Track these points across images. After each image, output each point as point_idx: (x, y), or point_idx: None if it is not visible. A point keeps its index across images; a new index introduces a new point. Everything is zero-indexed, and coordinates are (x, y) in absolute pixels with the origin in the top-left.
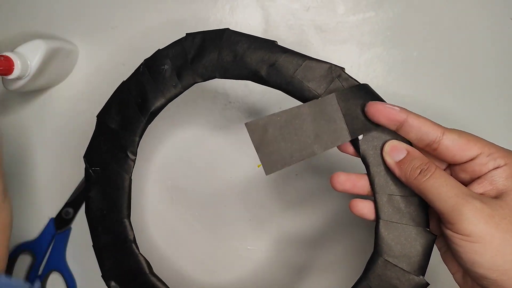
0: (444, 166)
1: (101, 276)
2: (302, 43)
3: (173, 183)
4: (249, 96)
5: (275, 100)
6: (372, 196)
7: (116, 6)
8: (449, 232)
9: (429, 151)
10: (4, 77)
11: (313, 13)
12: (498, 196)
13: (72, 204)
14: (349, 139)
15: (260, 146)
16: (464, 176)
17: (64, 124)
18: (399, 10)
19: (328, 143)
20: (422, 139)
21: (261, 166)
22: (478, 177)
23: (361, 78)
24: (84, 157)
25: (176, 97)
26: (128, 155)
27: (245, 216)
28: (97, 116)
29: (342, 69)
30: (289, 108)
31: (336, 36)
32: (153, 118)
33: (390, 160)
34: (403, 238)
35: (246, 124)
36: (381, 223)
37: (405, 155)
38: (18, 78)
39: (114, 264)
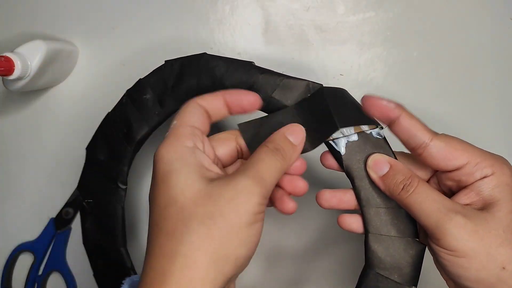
0: (430, 173)
1: None
2: (302, 43)
3: None
4: None
5: None
6: (360, 210)
7: (116, 7)
8: (435, 246)
9: (416, 156)
10: (5, 77)
11: (313, 13)
12: (484, 207)
13: (72, 204)
14: (338, 129)
15: (252, 144)
16: (451, 184)
17: (64, 124)
18: (399, 10)
19: (317, 139)
20: (409, 142)
21: None
22: (465, 187)
23: (361, 78)
24: (77, 188)
25: (160, 124)
26: (118, 186)
27: None
28: (86, 149)
29: (320, 85)
30: (280, 111)
31: (336, 36)
32: (140, 147)
33: (374, 175)
34: (392, 250)
35: (238, 124)
36: (370, 236)
37: (388, 169)
38: (19, 79)
39: None
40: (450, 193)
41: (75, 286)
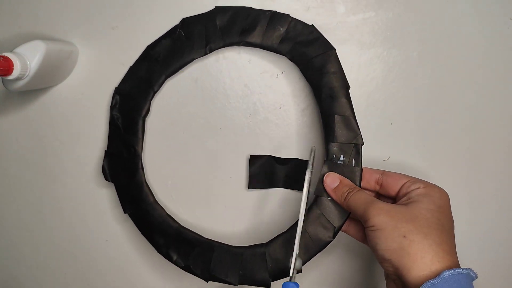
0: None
1: None
2: None
3: (173, 183)
4: (249, 96)
5: (275, 100)
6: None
7: (116, 7)
8: (365, 230)
9: (379, 191)
10: (4, 77)
11: (313, 13)
12: (409, 203)
13: None
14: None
15: (253, 175)
16: (410, 189)
17: (64, 124)
18: (399, 10)
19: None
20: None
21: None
22: (404, 195)
23: (361, 78)
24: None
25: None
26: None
27: (245, 215)
28: (147, 47)
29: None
30: (283, 158)
31: (336, 36)
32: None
33: (328, 188)
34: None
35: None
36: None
37: (338, 183)
38: (18, 79)
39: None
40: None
41: None
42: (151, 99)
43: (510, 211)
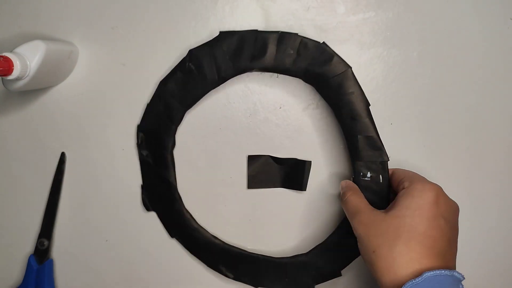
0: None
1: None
2: None
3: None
4: (249, 96)
5: (275, 100)
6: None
7: (116, 7)
8: None
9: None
10: (4, 77)
11: (313, 13)
12: (390, 208)
13: (44, 234)
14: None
15: (253, 174)
16: (399, 189)
17: (64, 124)
18: (399, 10)
19: (291, 185)
20: None
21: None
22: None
23: (361, 78)
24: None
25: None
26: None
27: (245, 216)
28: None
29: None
30: (281, 158)
31: (336, 36)
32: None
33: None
34: None
35: (248, 156)
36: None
37: (345, 185)
38: (18, 79)
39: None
40: None
41: None
42: (175, 133)
43: (510, 211)
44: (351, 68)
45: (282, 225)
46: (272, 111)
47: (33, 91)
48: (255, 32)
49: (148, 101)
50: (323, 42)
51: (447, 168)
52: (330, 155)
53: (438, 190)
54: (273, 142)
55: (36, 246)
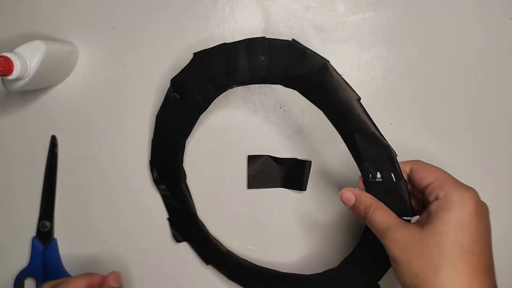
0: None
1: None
2: (302, 43)
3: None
4: (249, 96)
5: (275, 100)
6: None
7: (116, 7)
8: None
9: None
10: (4, 77)
11: (313, 13)
12: (425, 223)
13: (45, 215)
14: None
15: (252, 173)
16: (428, 199)
17: (64, 124)
18: (399, 10)
19: (291, 185)
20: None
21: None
22: (428, 201)
23: (361, 78)
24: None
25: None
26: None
27: (245, 216)
28: (172, 83)
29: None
30: (282, 158)
31: (336, 36)
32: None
33: (347, 206)
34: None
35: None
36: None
37: (354, 200)
38: (18, 79)
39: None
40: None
41: None
42: (182, 163)
43: (510, 211)
44: (328, 61)
45: (282, 225)
46: (272, 111)
47: (33, 91)
48: (223, 46)
49: (152, 137)
50: (293, 39)
51: (447, 168)
52: (330, 155)
53: (476, 197)
54: (273, 142)
55: (38, 228)
